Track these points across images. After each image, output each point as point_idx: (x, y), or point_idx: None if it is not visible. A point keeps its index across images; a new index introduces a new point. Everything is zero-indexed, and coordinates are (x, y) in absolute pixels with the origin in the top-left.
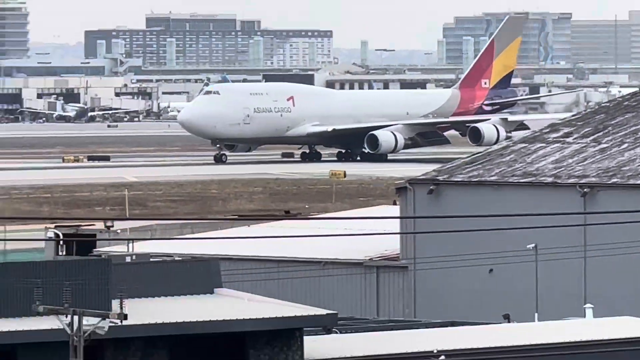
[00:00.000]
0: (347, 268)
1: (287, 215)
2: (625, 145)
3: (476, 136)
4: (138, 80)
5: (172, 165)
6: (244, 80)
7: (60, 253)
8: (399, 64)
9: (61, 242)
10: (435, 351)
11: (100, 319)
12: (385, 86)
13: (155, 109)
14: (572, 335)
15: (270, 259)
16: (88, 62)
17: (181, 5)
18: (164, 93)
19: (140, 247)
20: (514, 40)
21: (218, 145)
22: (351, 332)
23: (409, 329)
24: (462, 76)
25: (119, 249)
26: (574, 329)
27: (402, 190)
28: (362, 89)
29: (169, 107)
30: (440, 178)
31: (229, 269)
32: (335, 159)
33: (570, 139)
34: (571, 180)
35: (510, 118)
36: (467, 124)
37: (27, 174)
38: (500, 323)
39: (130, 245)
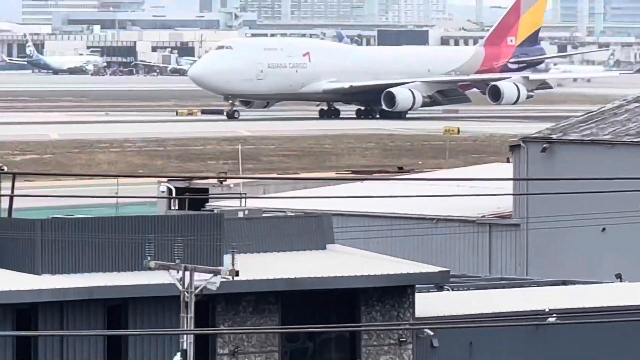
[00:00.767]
0: (459, 225)
1: (400, 171)
2: None
3: (496, 95)
4: (253, 35)
5: (285, 120)
6: (359, 36)
7: (172, 207)
8: None
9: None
10: (546, 310)
11: (211, 274)
12: None
13: None
14: None
15: (382, 215)
16: (203, 16)
17: None
18: None
19: (253, 202)
20: None
21: (231, 102)
22: (463, 290)
23: (520, 287)
24: (488, 33)
25: (231, 203)
26: None
27: (515, 148)
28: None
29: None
30: (554, 136)
31: (341, 225)
32: (355, 116)
33: None
34: None
35: (532, 77)
36: (487, 82)
37: (140, 127)
38: (612, 282)
39: (243, 200)
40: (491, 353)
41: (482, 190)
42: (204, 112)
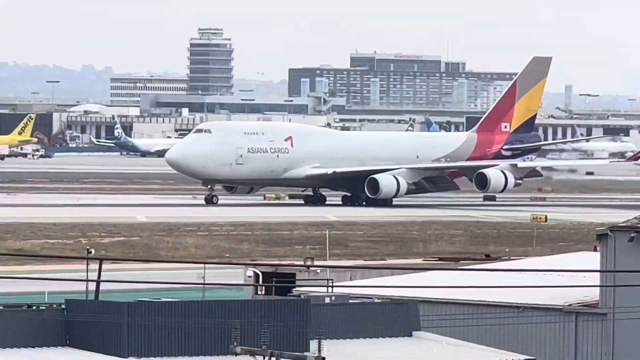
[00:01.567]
0: (545, 314)
1: (487, 258)
2: None
3: (482, 182)
4: (341, 120)
5: (371, 206)
6: (447, 122)
7: (259, 292)
8: (603, 109)
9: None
10: None
11: None
12: (589, 132)
13: None
14: None
15: (468, 302)
16: (291, 100)
17: (386, 46)
18: None
19: (340, 288)
20: (538, 82)
21: (209, 186)
22: None
23: None
24: (481, 119)
25: (318, 289)
26: None
27: (602, 237)
28: (565, 133)
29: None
30: None
31: (428, 313)
32: (340, 203)
33: None
34: None
35: (520, 164)
36: (475, 170)
37: (228, 210)
38: None
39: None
40: None
41: (569, 279)
42: (291, 196)
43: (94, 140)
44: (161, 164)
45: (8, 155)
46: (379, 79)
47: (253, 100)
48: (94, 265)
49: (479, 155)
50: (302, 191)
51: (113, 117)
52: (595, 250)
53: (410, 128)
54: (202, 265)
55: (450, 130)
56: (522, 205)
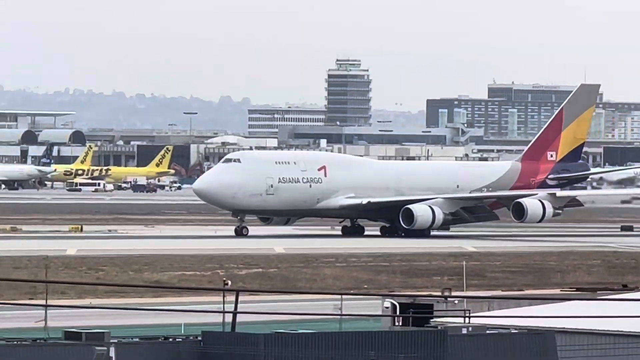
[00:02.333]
0: None
1: (625, 288)
2: None
3: (519, 212)
4: (479, 150)
5: (509, 237)
6: (585, 153)
7: (396, 323)
8: None
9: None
10: None
11: None
12: None
13: None
14: None
15: (606, 333)
16: (429, 131)
17: (523, 76)
18: None
19: (477, 319)
20: (586, 110)
21: (239, 217)
22: None
23: None
24: (526, 148)
25: (455, 320)
26: None
27: None
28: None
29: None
30: None
31: (565, 343)
32: (379, 234)
33: None
34: None
35: (559, 193)
36: (513, 199)
37: (366, 241)
38: None
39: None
40: None
41: None
42: None
43: None
44: None
45: (146, 187)
46: (516, 110)
47: (391, 131)
48: (231, 297)
49: (523, 185)
50: (340, 222)
51: (251, 149)
52: None
53: None
54: (339, 296)
55: (587, 161)
56: None
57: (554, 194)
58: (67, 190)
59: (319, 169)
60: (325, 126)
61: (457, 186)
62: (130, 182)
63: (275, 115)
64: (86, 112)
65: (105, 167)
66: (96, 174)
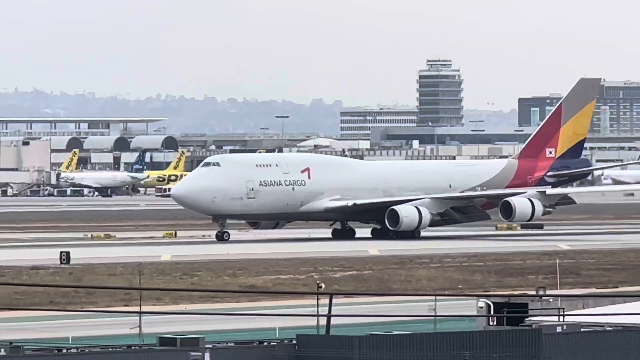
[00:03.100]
0: None
1: None
2: None
3: (508, 211)
4: None
5: (606, 234)
6: None
7: (491, 323)
8: None
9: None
10: None
11: None
12: None
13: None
14: None
15: None
16: (522, 130)
17: (615, 73)
18: (597, 161)
19: (572, 317)
20: (586, 105)
21: (220, 222)
22: None
23: None
24: (523, 145)
25: (550, 318)
26: None
27: None
28: None
29: (602, 175)
30: None
31: None
32: (370, 236)
33: None
34: None
35: (549, 191)
36: (501, 198)
37: (459, 243)
38: None
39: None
40: None
41: None
42: (523, 226)
43: None
44: None
45: None
46: (608, 107)
47: (483, 130)
48: (325, 300)
49: (520, 183)
50: (330, 225)
51: (343, 151)
52: None
53: None
54: (433, 297)
55: None
56: None
57: (544, 191)
58: (159, 196)
59: (302, 171)
60: (417, 127)
61: (450, 186)
62: None
63: (367, 117)
64: (178, 117)
65: None
66: None
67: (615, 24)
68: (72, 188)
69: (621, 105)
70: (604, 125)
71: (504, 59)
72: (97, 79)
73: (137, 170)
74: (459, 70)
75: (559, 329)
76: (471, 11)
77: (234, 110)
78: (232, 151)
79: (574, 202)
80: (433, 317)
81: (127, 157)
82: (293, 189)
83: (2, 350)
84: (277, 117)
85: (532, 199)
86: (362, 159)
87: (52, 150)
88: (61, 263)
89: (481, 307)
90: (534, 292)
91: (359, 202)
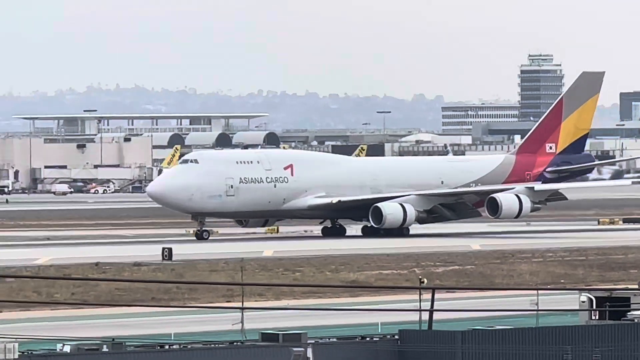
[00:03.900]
0: None
1: None
2: None
3: (494, 207)
4: None
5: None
6: None
7: (593, 317)
8: None
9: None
10: None
11: None
12: None
13: None
14: None
15: None
16: (623, 124)
17: None
18: None
19: None
20: (589, 99)
21: (199, 220)
22: None
23: None
24: (522, 140)
25: None
26: None
27: None
28: None
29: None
30: None
31: None
32: (361, 234)
33: None
34: None
35: (538, 187)
36: (488, 195)
37: (561, 236)
38: None
39: None
40: None
41: None
42: (625, 220)
43: None
44: None
45: None
46: None
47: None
48: (427, 295)
49: (517, 179)
50: (320, 223)
51: (445, 146)
52: None
53: None
54: (535, 291)
55: None
56: None
57: (532, 187)
58: None
59: (285, 168)
60: (519, 122)
61: (442, 182)
62: None
63: (469, 112)
64: (279, 113)
65: None
66: None
67: None
68: None
69: None
70: None
71: (604, 54)
72: (198, 75)
73: None
74: (560, 65)
75: None
76: (572, 5)
77: (336, 106)
78: (334, 147)
79: (565, 198)
80: (535, 312)
81: None
82: (275, 186)
83: (105, 346)
84: (378, 112)
85: (520, 195)
86: (464, 154)
87: (154, 147)
88: (163, 259)
89: (583, 302)
90: (636, 287)
91: (343, 199)
